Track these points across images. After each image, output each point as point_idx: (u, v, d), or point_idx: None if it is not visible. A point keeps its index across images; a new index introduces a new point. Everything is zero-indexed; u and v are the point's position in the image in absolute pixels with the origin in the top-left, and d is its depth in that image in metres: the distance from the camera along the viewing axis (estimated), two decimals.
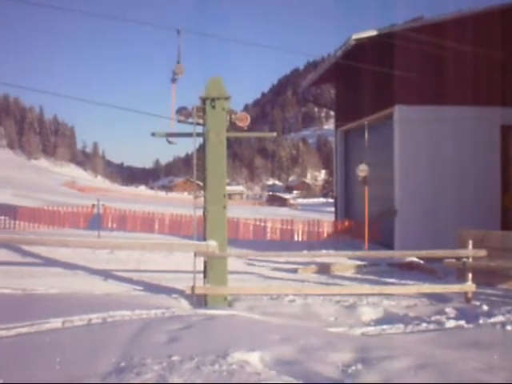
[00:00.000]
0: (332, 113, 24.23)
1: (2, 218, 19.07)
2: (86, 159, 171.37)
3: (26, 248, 12.72)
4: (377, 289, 8.75)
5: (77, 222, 19.32)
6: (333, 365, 4.35)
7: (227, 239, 8.31)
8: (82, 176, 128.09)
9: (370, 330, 6.77)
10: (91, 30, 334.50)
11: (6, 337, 5.23)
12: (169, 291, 8.70)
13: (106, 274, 10.40)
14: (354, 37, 14.05)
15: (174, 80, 8.83)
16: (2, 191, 34.49)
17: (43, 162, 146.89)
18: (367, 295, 8.55)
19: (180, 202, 45.70)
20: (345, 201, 19.74)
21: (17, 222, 19.08)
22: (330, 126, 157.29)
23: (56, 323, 5.81)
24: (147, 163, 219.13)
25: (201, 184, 9.21)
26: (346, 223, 18.30)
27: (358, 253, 10.55)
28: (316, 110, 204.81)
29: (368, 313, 7.67)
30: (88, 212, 19.67)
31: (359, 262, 12.34)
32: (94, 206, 19.16)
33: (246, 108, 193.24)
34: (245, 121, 8.56)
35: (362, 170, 13.16)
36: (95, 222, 17.87)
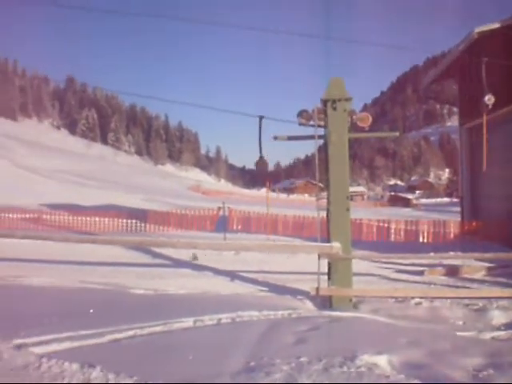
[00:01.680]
0: (455, 109, 23.36)
1: (134, 221, 20.12)
2: (210, 163, 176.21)
3: (157, 250, 13.31)
4: (507, 292, 8.32)
5: (203, 224, 20.00)
6: (463, 369, 4.22)
7: (350, 241, 8.25)
8: (206, 180, 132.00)
9: (501, 334, 6.45)
10: (216, 40, 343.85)
11: (140, 335, 5.50)
12: (293, 292, 8.76)
13: (232, 275, 10.65)
14: (477, 30, 13.52)
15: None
16: (132, 196, 36.39)
17: (169, 168, 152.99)
18: (497, 298, 8.15)
19: (301, 204, 45.92)
20: (471, 200, 18.92)
21: (147, 225, 20.08)
22: (453, 122, 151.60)
23: (187, 322, 6.03)
24: (269, 166, 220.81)
25: (322, 186, 9.20)
26: (474, 224, 17.57)
27: (488, 255, 10.07)
28: (438, 106, 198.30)
29: (498, 316, 7.31)
30: (214, 215, 20.29)
31: (489, 264, 11.79)
32: (219, 208, 19.74)
33: (365, 107, 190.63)
34: (366, 121, 8.46)
35: (489, 99, 12.08)
36: (221, 224, 18.37)
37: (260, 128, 9.07)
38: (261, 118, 9.08)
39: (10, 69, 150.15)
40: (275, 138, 9.06)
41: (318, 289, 7.85)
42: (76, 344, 5.08)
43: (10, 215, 21.07)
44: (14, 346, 5.00)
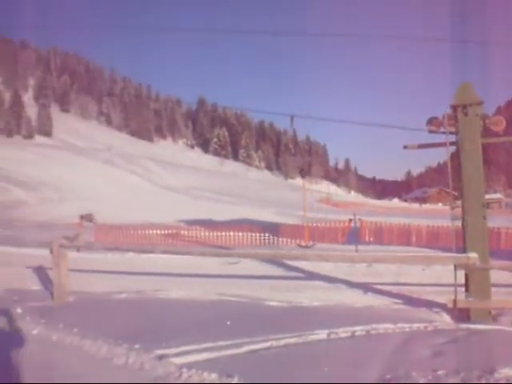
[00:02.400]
0: None
1: (267, 235, 20.50)
2: (339, 175, 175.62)
3: (290, 263, 13.46)
4: None
5: (335, 236, 19.96)
6: None
7: (488, 250, 7.90)
8: (336, 192, 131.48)
9: None
10: (343, 51, 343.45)
11: (276, 347, 5.62)
12: (429, 305, 8.52)
13: (366, 287, 10.53)
14: None
15: None
16: (264, 210, 37.05)
17: (299, 181, 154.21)
18: None
19: (435, 214, 44.44)
20: None
21: (279, 239, 20.37)
22: None
23: (322, 334, 6.07)
24: (399, 175, 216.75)
25: (456, 194, 8.90)
26: None
27: None
28: None
29: None
30: (345, 227, 20.21)
31: None
32: (350, 220, 19.64)
33: (499, 110, 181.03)
34: (500, 125, 8.10)
35: None
36: (352, 236, 18.26)
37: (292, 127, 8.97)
38: (292, 117, 8.96)
39: (145, 93, 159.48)
40: (405, 147, 8.92)
41: (455, 301, 7.58)
42: (214, 354, 5.30)
43: (150, 231, 22.27)
44: (155, 356, 5.31)
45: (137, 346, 5.70)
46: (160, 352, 5.40)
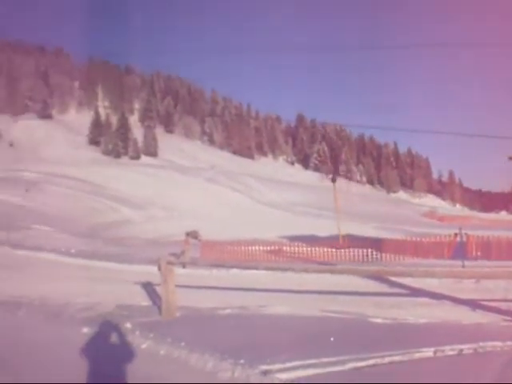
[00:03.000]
0: None
1: (369, 250, 20.24)
2: (443, 188, 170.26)
3: (393, 279, 13.22)
4: None
5: (440, 251, 19.39)
6: None
7: None
8: (440, 205, 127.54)
9: None
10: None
11: (381, 364, 5.55)
12: None
13: (473, 304, 10.17)
14: None
15: None
16: (366, 225, 36.56)
17: (402, 195, 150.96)
18: None
19: None
20: None
21: (382, 254, 20.04)
22: None
23: (428, 352, 5.92)
24: (506, 187, 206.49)
25: None
26: None
27: None
28: None
29: None
30: (451, 241, 19.59)
31: None
32: (456, 234, 19.02)
33: None
34: None
35: None
36: (458, 251, 17.68)
37: None
38: None
39: (245, 112, 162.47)
40: (510, 158, 8.61)
41: None
42: (319, 371, 5.31)
43: (253, 248, 22.58)
44: (260, 371, 5.39)
45: (242, 361, 5.81)
46: (265, 367, 5.47)
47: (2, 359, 7.39)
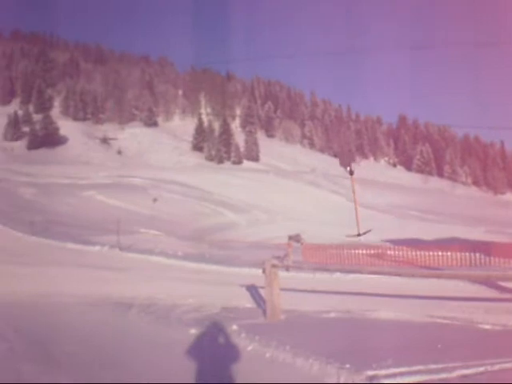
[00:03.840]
0: None
1: (477, 254, 19.52)
2: None
3: (504, 284, 12.72)
4: None
5: None
6: None
7: None
8: None
9: None
10: None
11: (490, 372, 5.35)
12: None
13: None
14: None
15: None
16: (474, 228, 35.24)
17: (510, 196, 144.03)
18: None
19: None
20: None
21: (491, 258, 19.26)
22: None
23: None
24: None
25: None
26: None
27: None
28: None
29: None
30: None
31: None
32: None
33: None
34: None
35: None
36: None
37: None
38: None
39: (345, 114, 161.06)
40: None
41: None
42: (425, 377, 5.22)
43: (356, 251, 22.35)
44: (366, 377, 5.37)
45: (347, 366, 5.80)
46: (370, 373, 5.45)
47: (113, 358, 7.79)
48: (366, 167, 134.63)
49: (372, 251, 22.41)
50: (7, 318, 10.59)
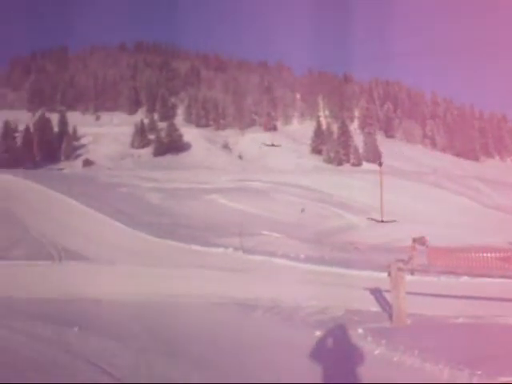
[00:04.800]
0: None
1: None
2: None
3: None
4: None
5: None
6: None
7: None
8: None
9: None
10: None
11: None
12: None
13: None
14: None
15: None
16: None
17: None
18: None
19: None
20: None
21: None
22: None
23: None
24: None
25: None
26: None
27: None
28: None
29: None
30: None
31: None
32: None
33: None
34: None
35: None
36: None
37: None
38: None
39: (468, 113, 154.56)
40: None
41: None
42: None
43: (483, 254, 21.39)
44: None
45: (479, 372, 5.67)
46: (504, 379, 5.29)
47: (238, 357, 8.04)
48: (491, 166, 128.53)
49: (499, 254, 21.37)
50: (139, 318, 11.25)
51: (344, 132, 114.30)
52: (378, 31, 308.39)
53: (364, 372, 6.61)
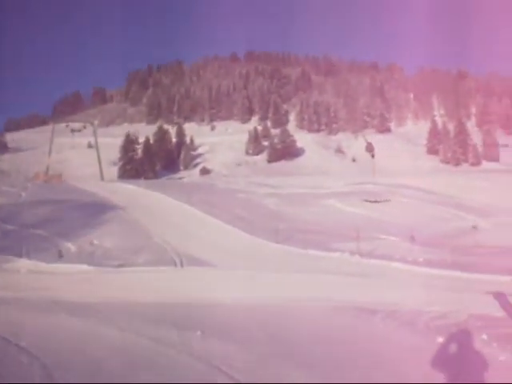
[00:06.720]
0: None
1: None
2: None
3: None
4: None
5: None
6: None
7: None
8: None
9: None
10: None
11: None
12: None
13: None
14: None
15: None
16: None
17: None
18: None
19: None
20: None
21: None
22: None
23: None
24: None
25: None
26: None
27: None
28: None
29: None
30: None
31: None
32: None
33: None
34: None
35: None
36: None
37: None
38: None
39: None
40: None
41: None
42: None
43: None
44: None
45: None
46: None
47: (358, 362, 8.13)
48: None
49: None
50: (259, 322, 11.59)
51: (461, 131, 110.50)
52: (493, 26, 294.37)
53: (489, 379, 6.54)
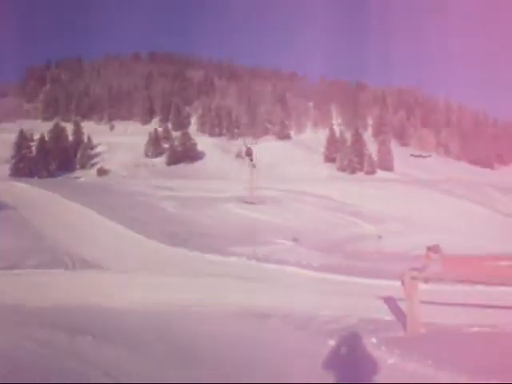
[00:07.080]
0: None
1: None
2: None
3: None
4: None
5: None
6: None
7: None
8: None
9: None
10: None
11: None
12: None
13: None
14: None
15: None
16: None
17: None
18: None
19: None
20: None
21: None
22: None
23: None
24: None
25: None
26: None
27: None
28: None
29: None
30: None
31: None
32: None
33: None
34: None
35: None
36: None
37: None
38: None
39: (482, 120, 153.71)
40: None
41: None
42: None
43: (500, 263, 21.19)
44: None
45: (494, 382, 5.63)
46: None
47: (249, 364, 8.05)
48: (505, 174, 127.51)
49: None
50: (152, 327, 11.28)
51: (357, 140, 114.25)
52: (391, 38, 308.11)
53: (377, 382, 6.59)
